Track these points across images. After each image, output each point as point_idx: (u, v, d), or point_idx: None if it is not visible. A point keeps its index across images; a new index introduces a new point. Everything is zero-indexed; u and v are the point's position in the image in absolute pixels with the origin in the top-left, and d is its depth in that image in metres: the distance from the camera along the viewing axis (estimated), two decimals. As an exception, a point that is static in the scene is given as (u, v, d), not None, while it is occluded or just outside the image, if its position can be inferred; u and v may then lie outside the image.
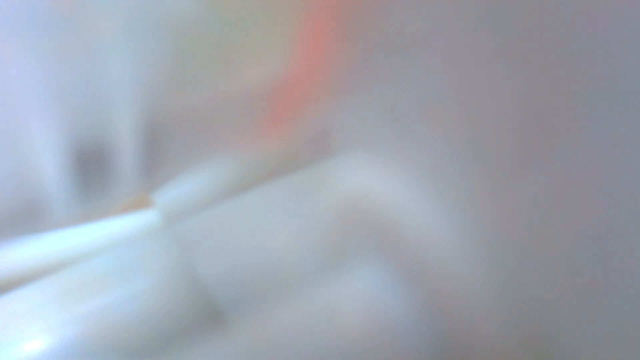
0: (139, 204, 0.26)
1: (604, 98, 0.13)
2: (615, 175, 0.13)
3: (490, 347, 0.14)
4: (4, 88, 0.12)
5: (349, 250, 0.17)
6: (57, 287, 0.25)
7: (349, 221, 0.17)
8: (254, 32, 0.15)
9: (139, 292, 0.25)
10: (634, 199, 0.13)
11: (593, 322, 0.14)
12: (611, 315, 0.14)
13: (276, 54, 0.15)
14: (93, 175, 0.14)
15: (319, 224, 0.17)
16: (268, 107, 0.16)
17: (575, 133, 0.14)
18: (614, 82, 0.13)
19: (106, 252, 0.26)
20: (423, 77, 0.16)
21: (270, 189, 0.20)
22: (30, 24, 0.12)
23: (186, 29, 0.14)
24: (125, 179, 0.14)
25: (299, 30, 0.15)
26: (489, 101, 0.15)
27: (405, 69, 0.16)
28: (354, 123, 0.17)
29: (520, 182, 0.14)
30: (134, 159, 0.14)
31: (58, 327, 0.24)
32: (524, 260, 0.14)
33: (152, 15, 0.13)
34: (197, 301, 0.25)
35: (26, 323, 0.24)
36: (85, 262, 0.25)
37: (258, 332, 0.17)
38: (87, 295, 0.25)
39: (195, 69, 0.14)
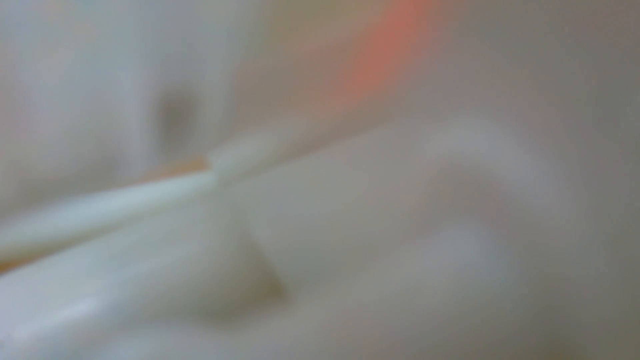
0: (195, 164, 0.25)
1: None
2: None
3: (604, 323, 0.13)
4: (93, 32, 0.11)
5: (436, 216, 0.16)
6: (110, 248, 0.24)
7: (435, 183, 0.16)
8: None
9: (192, 255, 0.25)
10: None
11: None
12: None
13: (368, 8, 0.14)
14: (175, 128, 0.13)
15: (400, 186, 0.16)
16: (353, 64, 0.15)
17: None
18: None
19: (160, 214, 0.25)
20: (512, 38, 0.15)
21: (343, 148, 0.19)
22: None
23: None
24: (206, 133, 0.14)
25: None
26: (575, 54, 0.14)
27: (494, 29, 0.15)
28: (442, 83, 0.16)
29: (627, 129, 0.13)
30: (217, 114, 0.13)
31: (109, 289, 0.24)
32: (637, 220, 0.13)
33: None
34: (253, 268, 0.24)
35: (78, 283, 0.24)
36: (139, 224, 0.25)
37: (326, 309, 0.15)
38: (139, 257, 0.24)
39: (285, 22, 0.13)
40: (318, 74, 0.15)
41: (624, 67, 0.13)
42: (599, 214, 0.14)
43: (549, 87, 0.14)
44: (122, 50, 0.12)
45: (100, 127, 0.12)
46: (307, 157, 0.20)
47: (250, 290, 0.24)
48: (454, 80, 0.15)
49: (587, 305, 0.14)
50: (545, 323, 0.14)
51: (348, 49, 0.15)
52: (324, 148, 0.19)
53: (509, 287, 0.14)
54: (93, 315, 0.24)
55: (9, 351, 0.22)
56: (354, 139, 0.18)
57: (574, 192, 0.14)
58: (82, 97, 0.12)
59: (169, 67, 0.12)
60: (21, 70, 0.12)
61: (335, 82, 0.15)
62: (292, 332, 0.15)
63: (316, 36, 0.14)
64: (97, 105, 0.12)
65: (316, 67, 0.15)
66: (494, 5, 0.15)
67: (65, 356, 0.22)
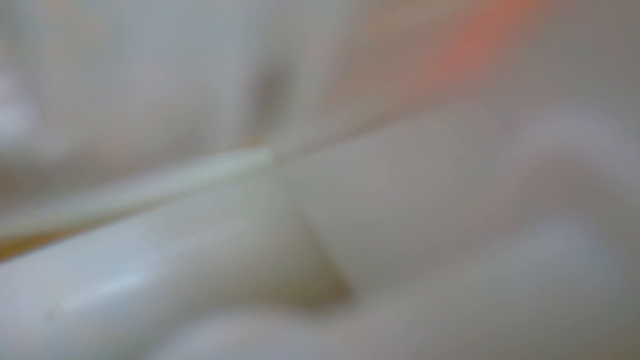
0: (251, 140, 0.25)
1: None
2: None
3: None
4: (192, 4, 0.11)
5: (529, 208, 0.15)
6: (162, 221, 0.24)
7: (530, 172, 0.15)
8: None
9: (244, 233, 0.24)
10: None
11: None
12: None
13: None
14: (269, 103, 0.13)
15: (487, 173, 0.16)
16: (449, 44, 0.14)
17: None
18: None
19: (214, 189, 0.25)
20: (615, 27, 0.14)
21: (418, 123, 0.17)
22: None
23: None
24: (300, 109, 0.13)
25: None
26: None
27: (599, 17, 0.14)
28: (542, 71, 0.15)
29: None
30: (313, 90, 0.13)
31: (160, 262, 0.23)
32: None
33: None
34: (306, 248, 0.24)
35: (128, 255, 0.23)
36: (192, 198, 0.24)
37: (394, 309, 0.14)
38: (191, 231, 0.24)
39: None
40: (412, 53, 0.14)
41: None
42: None
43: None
44: (222, 22, 0.11)
45: (194, 100, 0.12)
46: (374, 134, 0.19)
47: (302, 269, 0.23)
48: (554, 69, 0.15)
49: None
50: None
51: (445, 28, 0.14)
52: (395, 124, 0.18)
53: (609, 281, 0.14)
54: (142, 288, 0.23)
55: (58, 321, 0.22)
56: (430, 114, 0.17)
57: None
58: (178, 69, 0.11)
59: (268, 40, 0.12)
60: (119, 39, 0.11)
61: (429, 62, 0.15)
62: (373, 326, 0.14)
63: (414, 14, 0.13)
64: (193, 77, 0.11)
65: (411, 46, 0.14)
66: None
67: (115, 329, 0.22)
